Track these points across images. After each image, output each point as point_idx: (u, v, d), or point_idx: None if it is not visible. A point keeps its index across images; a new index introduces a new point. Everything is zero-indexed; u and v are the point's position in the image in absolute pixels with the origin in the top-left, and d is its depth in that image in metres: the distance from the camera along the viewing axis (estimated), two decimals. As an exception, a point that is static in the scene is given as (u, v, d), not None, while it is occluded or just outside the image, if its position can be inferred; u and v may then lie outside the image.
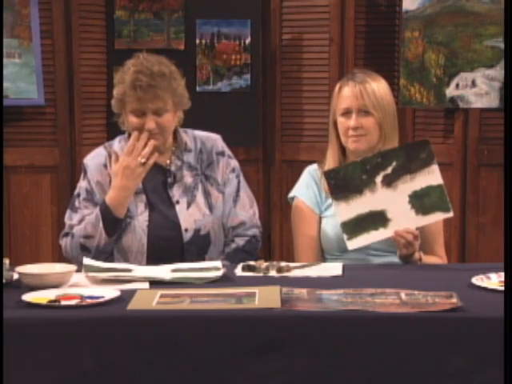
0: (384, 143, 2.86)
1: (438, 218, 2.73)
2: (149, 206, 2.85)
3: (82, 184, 2.91)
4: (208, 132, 3.00)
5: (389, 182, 2.69)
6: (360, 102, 2.84)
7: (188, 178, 2.90)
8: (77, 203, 2.89)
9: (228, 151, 2.98)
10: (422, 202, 2.68)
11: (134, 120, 2.81)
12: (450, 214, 2.71)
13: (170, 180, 2.89)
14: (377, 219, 2.69)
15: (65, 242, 2.88)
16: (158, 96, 2.77)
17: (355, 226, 2.69)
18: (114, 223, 2.79)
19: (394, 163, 2.69)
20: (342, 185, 2.71)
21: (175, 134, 2.93)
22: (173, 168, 2.90)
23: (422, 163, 2.69)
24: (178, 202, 2.87)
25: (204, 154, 2.94)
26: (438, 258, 2.92)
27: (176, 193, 2.88)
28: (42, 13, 4.28)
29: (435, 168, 2.69)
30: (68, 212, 2.91)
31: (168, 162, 2.90)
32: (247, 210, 2.95)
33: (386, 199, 2.68)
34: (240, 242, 2.92)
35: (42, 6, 4.29)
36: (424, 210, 2.69)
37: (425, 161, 2.69)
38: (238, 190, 2.95)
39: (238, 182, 2.96)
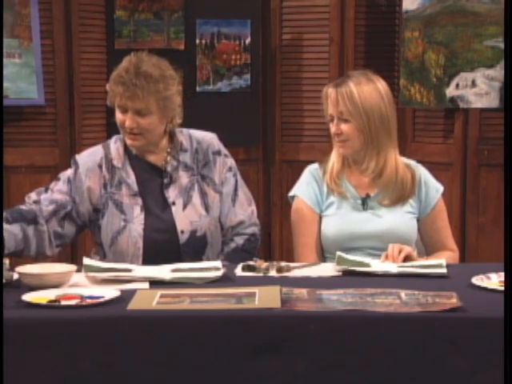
0: (372, 147, 2.85)
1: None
2: (144, 209, 2.83)
3: (67, 172, 2.85)
4: (204, 131, 2.97)
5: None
6: (337, 109, 2.84)
7: (184, 179, 2.87)
8: (52, 184, 2.83)
9: (224, 150, 2.95)
10: None
11: (118, 115, 2.81)
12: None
13: (166, 181, 2.86)
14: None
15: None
16: (137, 96, 2.72)
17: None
18: None
19: None
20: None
21: (171, 134, 2.90)
22: (169, 168, 2.87)
23: None
24: (174, 204, 2.84)
25: (200, 153, 2.91)
26: (450, 251, 2.94)
27: (172, 194, 2.86)
28: (41, 13, 4.29)
29: None
30: (41, 188, 2.84)
31: (163, 162, 2.88)
32: (245, 209, 2.94)
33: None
34: (239, 240, 2.91)
35: (42, 6, 4.29)
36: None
37: None
38: (235, 189, 2.93)
39: (236, 181, 2.94)
